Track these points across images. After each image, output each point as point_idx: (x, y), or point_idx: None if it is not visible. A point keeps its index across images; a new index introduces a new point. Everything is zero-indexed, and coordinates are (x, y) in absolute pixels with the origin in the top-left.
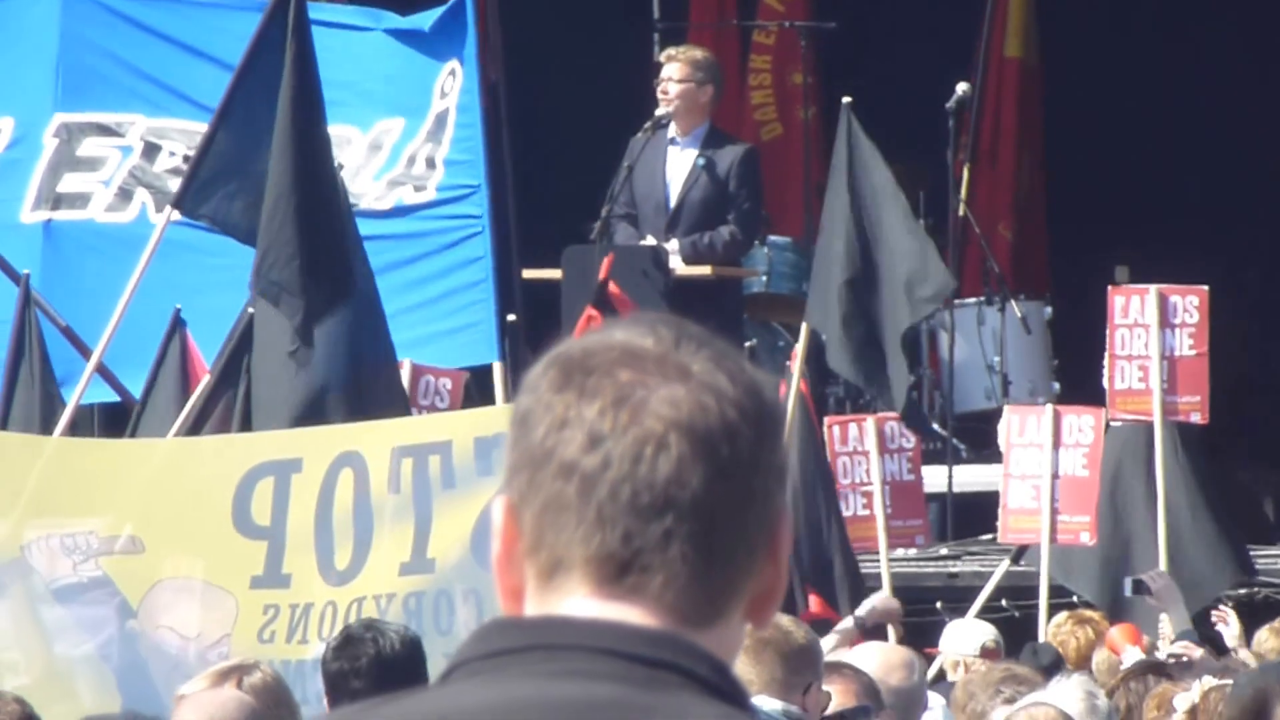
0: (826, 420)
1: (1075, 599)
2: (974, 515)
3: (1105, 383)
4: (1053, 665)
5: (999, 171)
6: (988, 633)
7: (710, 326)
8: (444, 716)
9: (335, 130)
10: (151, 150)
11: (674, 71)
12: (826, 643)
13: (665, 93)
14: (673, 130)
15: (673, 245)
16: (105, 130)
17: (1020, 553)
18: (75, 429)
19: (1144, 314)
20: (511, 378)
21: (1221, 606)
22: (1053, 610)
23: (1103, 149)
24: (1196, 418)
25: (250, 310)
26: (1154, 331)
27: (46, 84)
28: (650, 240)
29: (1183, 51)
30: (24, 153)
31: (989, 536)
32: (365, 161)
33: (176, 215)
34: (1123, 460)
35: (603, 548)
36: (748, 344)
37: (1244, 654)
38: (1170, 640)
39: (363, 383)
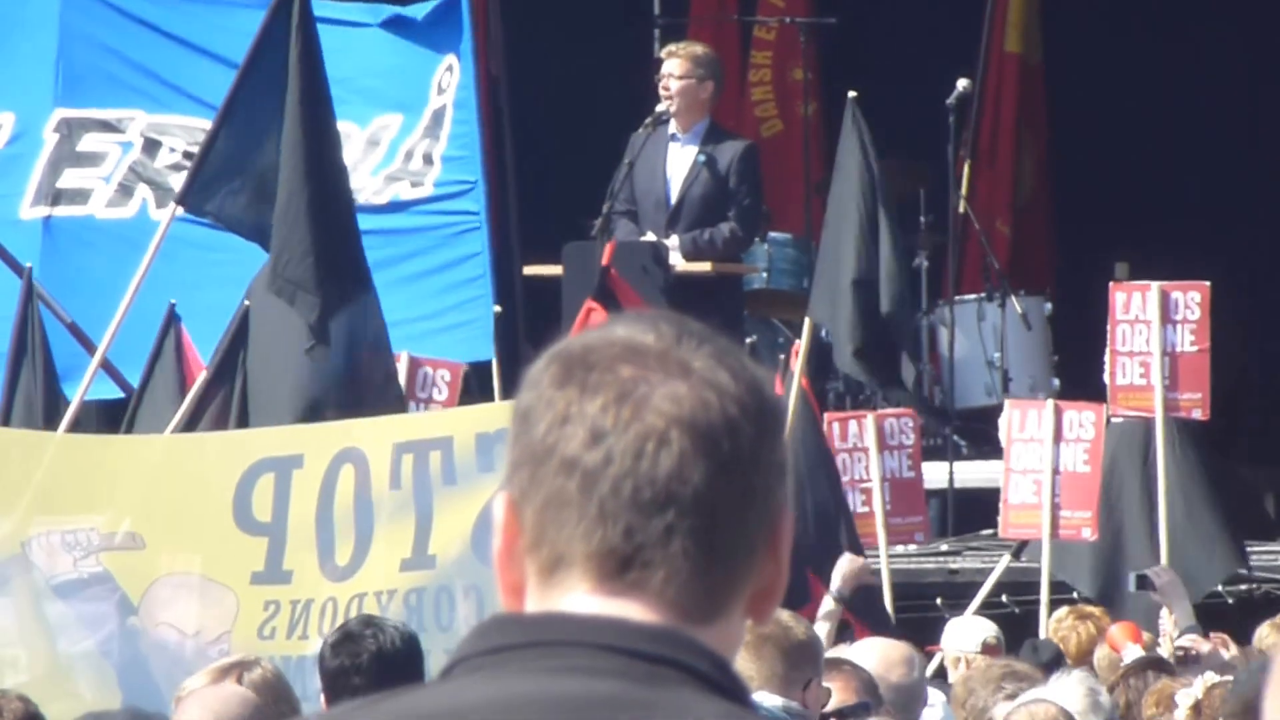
0: (826, 416)
1: (1075, 595)
2: (975, 511)
3: (1106, 379)
4: (1053, 661)
5: (998, 168)
6: (988, 629)
7: (711, 323)
8: (445, 712)
9: None
10: (152, 146)
11: (675, 68)
12: (818, 629)
13: (666, 89)
14: (673, 126)
15: (673, 241)
16: (105, 126)
17: (1021, 548)
18: (75, 425)
19: (1145, 310)
20: (501, 370)
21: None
22: (1053, 606)
23: (1104, 147)
24: (1197, 414)
25: (247, 303)
26: (1155, 327)
27: (47, 79)
28: (651, 236)
29: (1184, 50)
30: (24, 148)
31: (989, 532)
32: (363, 157)
33: (180, 212)
34: (1118, 456)
35: (604, 543)
36: (749, 340)
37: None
38: (1174, 636)
39: (358, 372)
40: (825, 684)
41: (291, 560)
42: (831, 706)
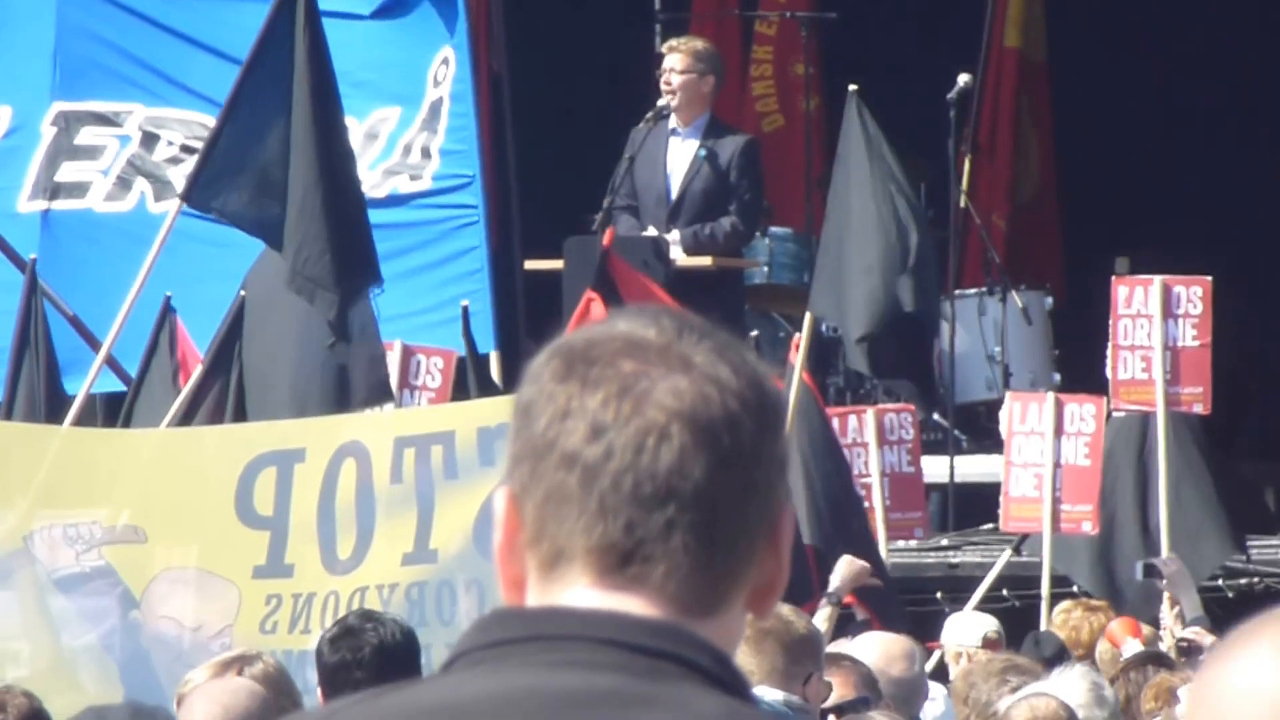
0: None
1: (1075, 589)
2: (975, 505)
3: (1108, 373)
4: (1056, 656)
5: (997, 164)
6: (989, 624)
7: (711, 318)
8: (445, 706)
9: None
10: (150, 139)
11: (676, 62)
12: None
13: (668, 84)
14: (674, 121)
15: (674, 236)
16: (103, 119)
17: (1022, 542)
18: (78, 418)
19: (1148, 304)
20: (502, 364)
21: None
22: (1054, 600)
23: (1105, 143)
24: (1199, 408)
25: (243, 294)
26: (1157, 322)
27: (44, 72)
28: (651, 231)
29: (1185, 47)
30: (21, 141)
31: (990, 527)
32: (361, 150)
33: (183, 208)
34: (1115, 450)
35: (605, 538)
36: (753, 334)
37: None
38: (1175, 630)
39: (342, 357)
40: (826, 678)
41: (293, 554)
42: (832, 701)
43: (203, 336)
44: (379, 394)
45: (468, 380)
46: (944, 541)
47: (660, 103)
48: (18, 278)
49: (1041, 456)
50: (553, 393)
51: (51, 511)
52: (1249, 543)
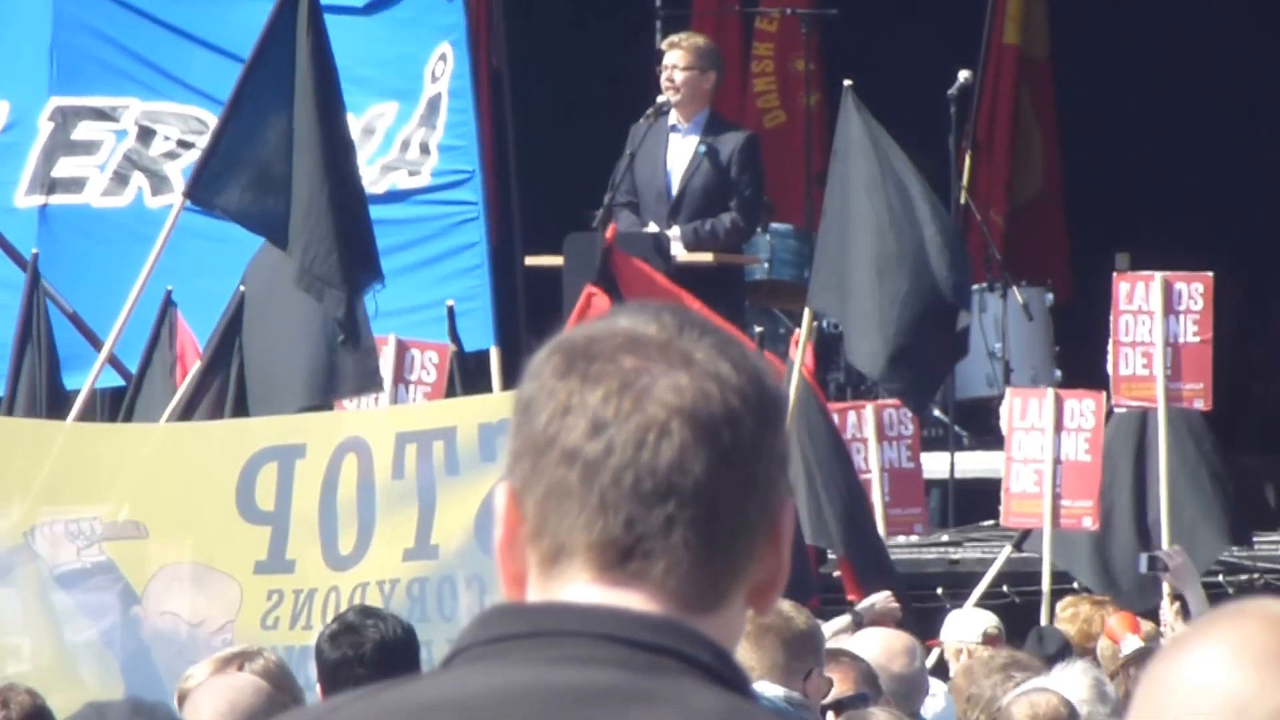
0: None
1: (1076, 584)
2: (975, 502)
3: (1109, 369)
4: (1059, 652)
5: (996, 160)
6: (989, 620)
7: (712, 313)
8: (446, 702)
9: None
10: (147, 134)
11: (677, 59)
12: (826, 629)
13: (670, 80)
14: (674, 117)
15: (674, 232)
16: (100, 114)
17: (1023, 538)
18: (81, 414)
19: (1149, 300)
20: (502, 360)
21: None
22: (1055, 596)
23: (1107, 140)
24: (1200, 404)
25: (242, 289)
26: (1158, 318)
27: (41, 67)
28: (652, 227)
29: (1187, 46)
30: (18, 136)
31: (990, 523)
32: (359, 146)
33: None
34: (1113, 446)
35: (605, 534)
36: (757, 330)
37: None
38: (1174, 626)
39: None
40: (826, 674)
41: (295, 550)
42: (832, 697)
43: (203, 331)
44: (369, 382)
45: (489, 375)
46: (944, 537)
47: (660, 99)
48: (17, 274)
49: (1042, 452)
50: (553, 389)
51: (53, 507)
52: (1246, 523)
